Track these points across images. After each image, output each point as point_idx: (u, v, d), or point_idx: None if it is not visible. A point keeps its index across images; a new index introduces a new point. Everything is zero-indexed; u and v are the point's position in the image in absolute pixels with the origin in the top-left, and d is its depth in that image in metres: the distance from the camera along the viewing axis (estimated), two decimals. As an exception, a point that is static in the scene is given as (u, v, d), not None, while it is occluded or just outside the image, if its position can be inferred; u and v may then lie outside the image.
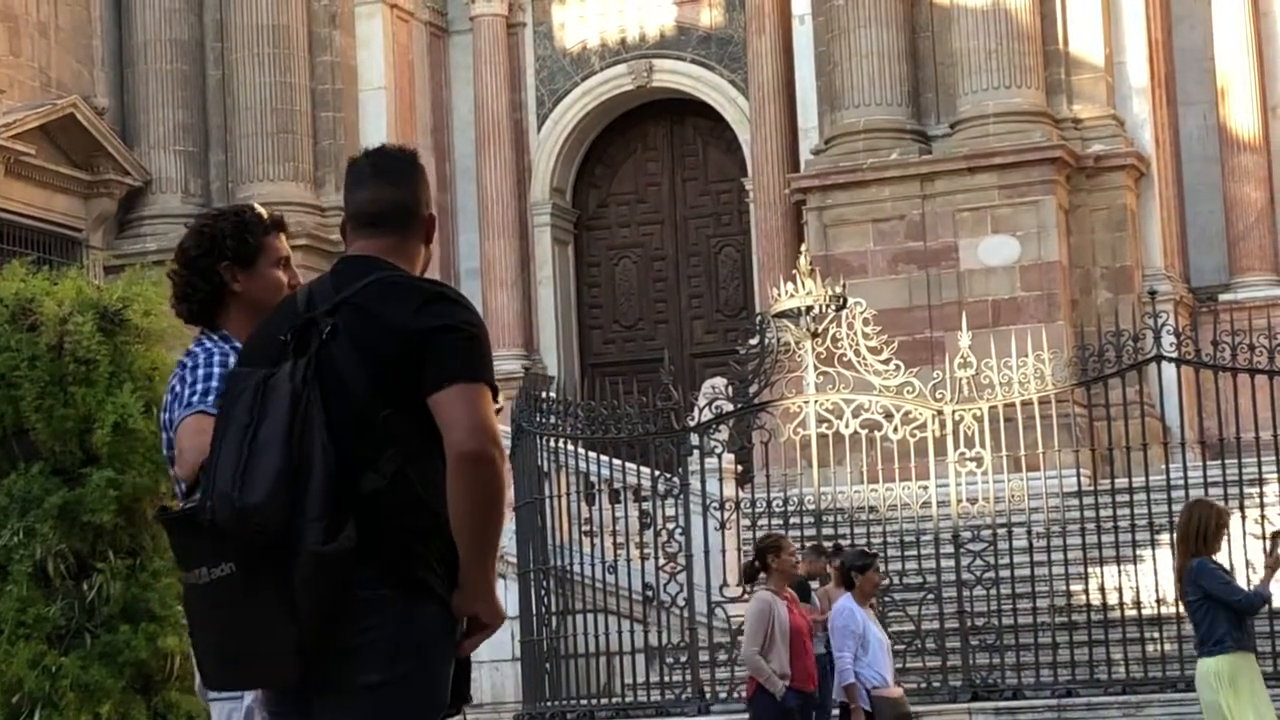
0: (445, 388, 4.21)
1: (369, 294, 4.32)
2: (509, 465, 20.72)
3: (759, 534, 19.84)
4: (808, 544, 18.35)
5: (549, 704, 19.01)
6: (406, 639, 4.23)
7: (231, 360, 5.08)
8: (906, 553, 19.31)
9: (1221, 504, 11.96)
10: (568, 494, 19.57)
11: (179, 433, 5.07)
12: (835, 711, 13.56)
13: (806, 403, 19.96)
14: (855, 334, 19.79)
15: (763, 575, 13.17)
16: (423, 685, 4.26)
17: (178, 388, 5.18)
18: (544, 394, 20.63)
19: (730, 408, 19.71)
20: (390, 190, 4.48)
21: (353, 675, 4.22)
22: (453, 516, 4.22)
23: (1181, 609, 18.17)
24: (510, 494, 21.04)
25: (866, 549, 15.23)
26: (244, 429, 4.24)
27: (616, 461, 19.85)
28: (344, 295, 4.34)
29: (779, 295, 20.64)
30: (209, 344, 5.23)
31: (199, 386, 5.10)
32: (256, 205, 5.40)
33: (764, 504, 19.83)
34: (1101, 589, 18.50)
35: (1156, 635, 18.32)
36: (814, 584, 16.74)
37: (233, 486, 4.18)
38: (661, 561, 19.14)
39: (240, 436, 4.23)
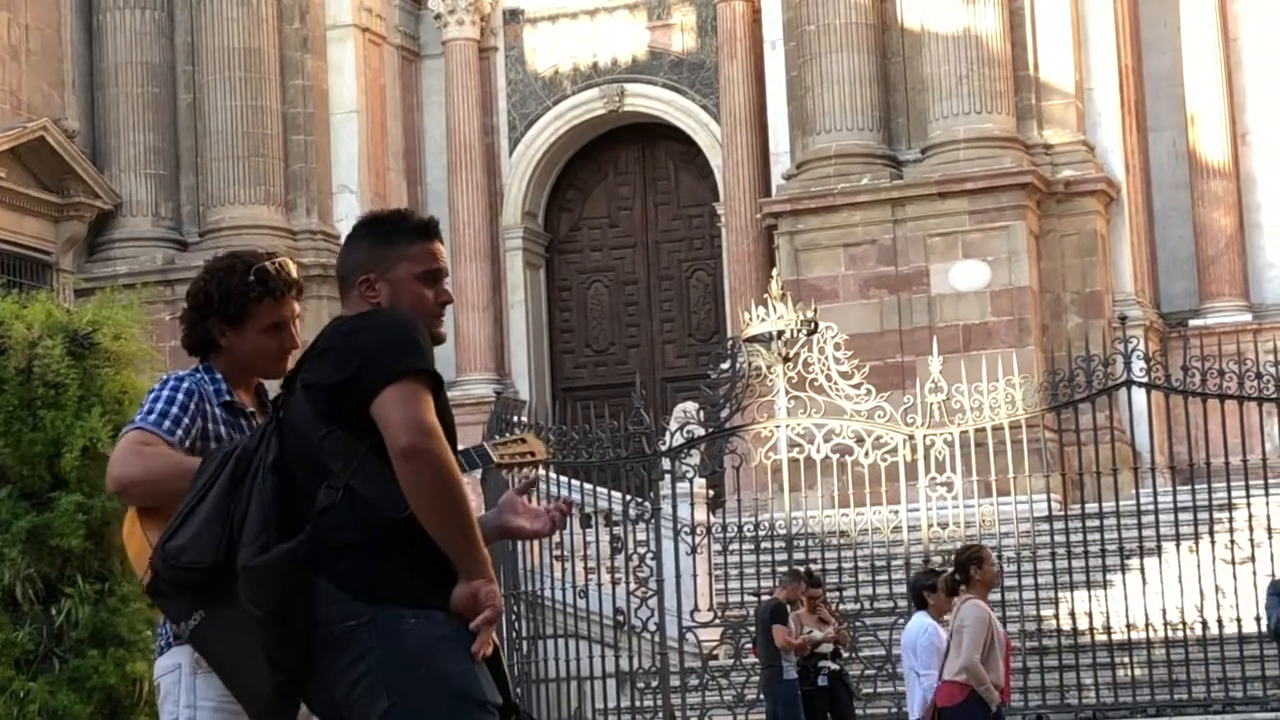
0: (377, 395, 4.35)
1: (316, 342, 4.56)
2: (477, 481, 20.71)
3: (730, 559, 19.89)
4: (779, 569, 18.39)
5: (519, 729, 18.96)
6: (397, 653, 4.30)
7: (192, 386, 5.24)
8: (877, 577, 19.31)
9: None
10: (539, 518, 19.50)
11: (116, 445, 5.19)
12: None
13: (778, 427, 19.98)
14: (826, 358, 19.83)
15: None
16: (440, 686, 4.30)
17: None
18: (515, 418, 20.61)
19: (701, 432, 19.73)
20: (339, 261, 4.78)
21: (363, 712, 4.32)
22: (417, 515, 4.32)
23: (1151, 634, 18.32)
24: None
25: (935, 569, 14.95)
26: (197, 493, 4.56)
27: (588, 486, 19.84)
28: (304, 352, 4.62)
29: (750, 320, 20.68)
30: (182, 373, 5.34)
31: (146, 407, 5.22)
32: (270, 264, 5.34)
33: (735, 529, 19.85)
34: (1072, 614, 18.54)
35: (1127, 660, 18.36)
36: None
37: (164, 540, 4.53)
38: (632, 586, 19.14)
39: (191, 499, 4.56)
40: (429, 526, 4.31)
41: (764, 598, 18.27)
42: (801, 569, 17.88)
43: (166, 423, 5.14)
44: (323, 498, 4.37)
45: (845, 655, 17.72)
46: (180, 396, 5.20)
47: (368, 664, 4.30)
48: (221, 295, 5.30)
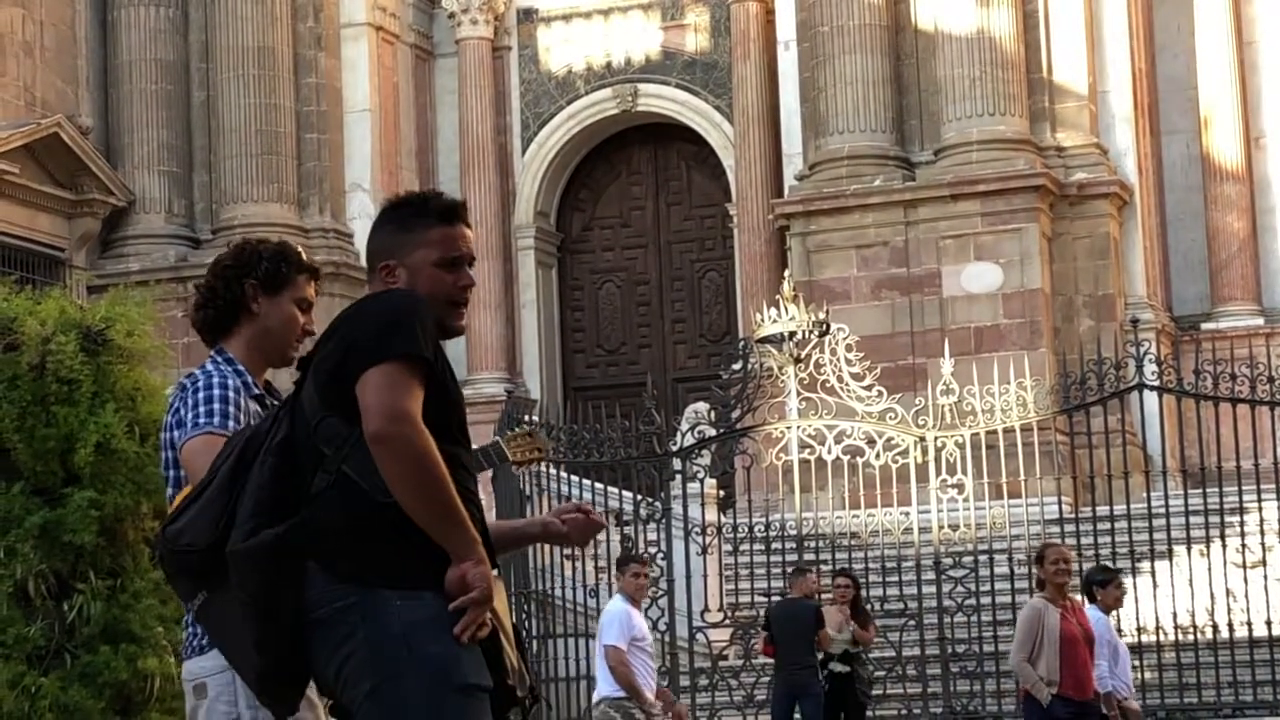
0: (359, 379, 4.33)
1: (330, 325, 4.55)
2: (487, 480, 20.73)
3: (740, 559, 19.89)
4: (789, 568, 18.37)
5: (529, 728, 18.96)
6: (384, 634, 4.30)
7: (231, 382, 5.29)
8: (888, 579, 19.31)
9: None
10: (549, 517, 19.51)
11: (185, 454, 5.21)
12: None
13: (789, 428, 19.98)
14: (838, 360, 19.81)
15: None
16: (423, 668, 4.29)
17: (181, 410, 5.30)
18: (526, 417, 20.60)
19: (712, 432, 19.72)
20: (369, 243, 4.73)
21: (351, 694, 4.34)
22: (397, 500, 4.31)
23: (1162, 637, 18.30)
24: (492, 516, 21.02)
25: (1109, 564, 15.05)
26: (209, 476, 4.57)
27: (599, 485, 19.84)
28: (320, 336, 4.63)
29: (762, 320, 20.67)
30: (210, 366, 5.36)
31: (201, 408, 5.23)
32: (300, 248, 5.58)
33: (745, 529, 19.84)
34: (1082, 616, 18.50)
35: (1137, 663, 18.31)
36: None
37: (167, 522, 4.57)
38: (643, 586, 19.11)
39: (203, 482, 4.57)
40: (409, 511, 4.29)
41: (774, 598, 18.25)
42: (808, 568, 17.86)
43: (230, 423, 5.19)
44: (317, 481, 4.37)
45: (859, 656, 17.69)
46: (230, 394, 5.25)
47: (353, 645, 4.31)
48: (271, 256, 5.39)
